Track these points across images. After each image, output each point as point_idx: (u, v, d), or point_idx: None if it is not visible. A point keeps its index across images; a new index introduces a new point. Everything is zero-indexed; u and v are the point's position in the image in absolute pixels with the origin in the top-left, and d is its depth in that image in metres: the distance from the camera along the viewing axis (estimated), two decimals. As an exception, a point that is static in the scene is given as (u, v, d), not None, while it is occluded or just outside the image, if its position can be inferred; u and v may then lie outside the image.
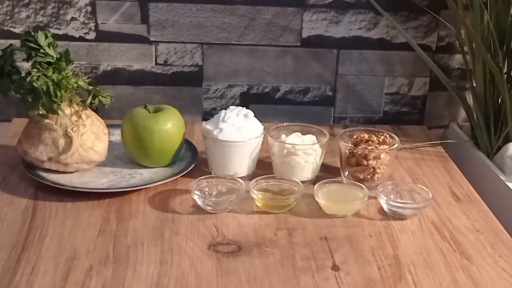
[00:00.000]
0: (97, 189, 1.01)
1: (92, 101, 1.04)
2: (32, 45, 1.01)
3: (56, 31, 1.29)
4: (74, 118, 1.03)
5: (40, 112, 0.99)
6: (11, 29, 1.29)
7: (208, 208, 0.98)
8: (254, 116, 1.09)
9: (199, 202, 0.98)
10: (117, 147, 1.14)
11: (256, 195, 0.99)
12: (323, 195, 0.99)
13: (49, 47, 1.01)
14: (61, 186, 1.01)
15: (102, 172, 1.08)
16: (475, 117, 1.26)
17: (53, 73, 1.00)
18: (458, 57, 1.37)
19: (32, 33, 1.01)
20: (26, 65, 1.04)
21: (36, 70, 0.99)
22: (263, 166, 1.11)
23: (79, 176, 1.06)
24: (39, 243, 0.89)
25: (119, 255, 0.87)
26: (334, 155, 1.16)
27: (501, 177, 1.13)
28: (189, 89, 1.36)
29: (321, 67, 1.36)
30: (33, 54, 1.01)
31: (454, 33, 1.33)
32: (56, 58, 1.02)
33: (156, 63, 1.34)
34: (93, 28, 1.30)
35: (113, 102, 1.08)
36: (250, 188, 0.99)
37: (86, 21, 1.29)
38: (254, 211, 0.99)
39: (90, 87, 1.04)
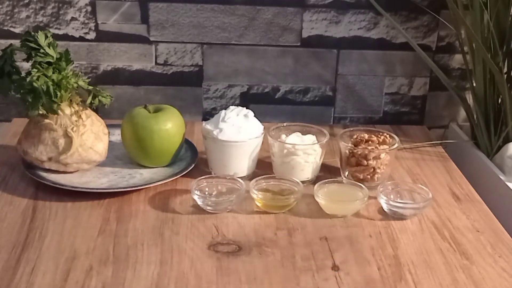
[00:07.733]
0: (97, 189, 1.01)
1: (92, 101, 1.04)
2: (32, 45, 1.01)
3: (56, 31, 1.29)
4: (74, 118, 1.03)
5: (40, 112, 1.00)
6: (11, 29, 1.29)
7: (208, 208, 0.98)
8: (254, 116, 1.09)
9: (199, 202, 0.98)
10: (117, 147, 1.14)
11: (256, 195, 0.99)
12: (323, 195, 0.99)
13: (49, 47, 1.01)
14: (61, 186, 1.01)
15: (102, 172, 1.08)
16: (475, 117, 1.26)
17: (53, 73, 1.00)
18: (458, 57, 1.36)
19: (32, 33, 1.01)
20: (26, 65, 1.04)
21: (36, 70, 0.99)
22: (263, 166, 1.10)
23: (79, 176, 1.06)
24: (39, 243, 0.89)
25: (119, 255, 0.87)
26: (334, 155, 1.16)
27: (501, 177, 1.13)
28: (189, 89, 1.36)
29: (321, 67, 1.36)
30: (33, 54, 1.01)
31: (454, 33, 1.33)
32: (56, 58, 1.02)
33: (156, 63, 1.34)
34: (93, 28, 1.30)
35: (113, 102, 1.08)
36: (250, 188, 0.99)
37: (86, 21, 1.29)
38: (254, 211, 0.99)
39: (90, 87, 1.04)
